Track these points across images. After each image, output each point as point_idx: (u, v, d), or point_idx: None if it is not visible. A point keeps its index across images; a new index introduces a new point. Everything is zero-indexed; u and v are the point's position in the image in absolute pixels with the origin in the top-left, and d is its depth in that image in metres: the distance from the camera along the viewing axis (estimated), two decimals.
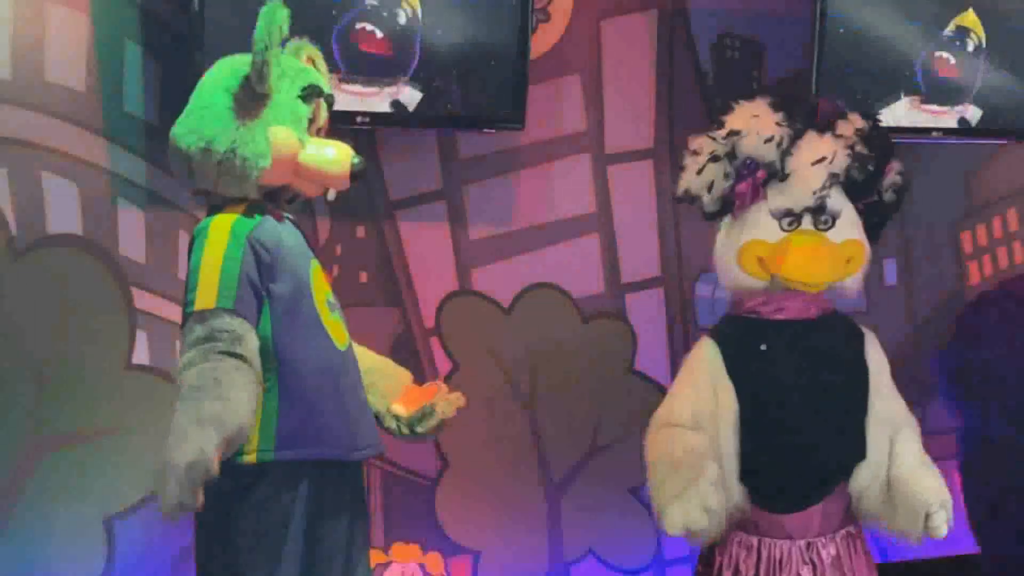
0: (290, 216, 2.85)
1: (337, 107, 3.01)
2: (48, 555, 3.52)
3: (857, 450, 3.14)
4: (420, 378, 3.84)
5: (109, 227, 3.55)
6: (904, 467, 3.11)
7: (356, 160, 2.79)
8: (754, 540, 3.15)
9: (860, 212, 3.15)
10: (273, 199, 2.78)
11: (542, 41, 4.01)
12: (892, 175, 3.17)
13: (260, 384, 2.59)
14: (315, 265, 2.83)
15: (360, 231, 3.88)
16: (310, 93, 2.77)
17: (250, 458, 2.61)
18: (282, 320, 2.67)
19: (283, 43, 2.71)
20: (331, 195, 2.87)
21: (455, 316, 4.01)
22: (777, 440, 3.09)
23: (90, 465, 3.54)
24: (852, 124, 3.11)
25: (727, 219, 3.15)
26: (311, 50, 2.91)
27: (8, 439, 3.45)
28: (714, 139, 3.08)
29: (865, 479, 3.13)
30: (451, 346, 4.00)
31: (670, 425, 3.11)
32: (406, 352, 3.92)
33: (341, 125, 3.53)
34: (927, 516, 3.04)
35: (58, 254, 3.51)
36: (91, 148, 3.51)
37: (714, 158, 3.06)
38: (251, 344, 2.57)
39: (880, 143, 3.12)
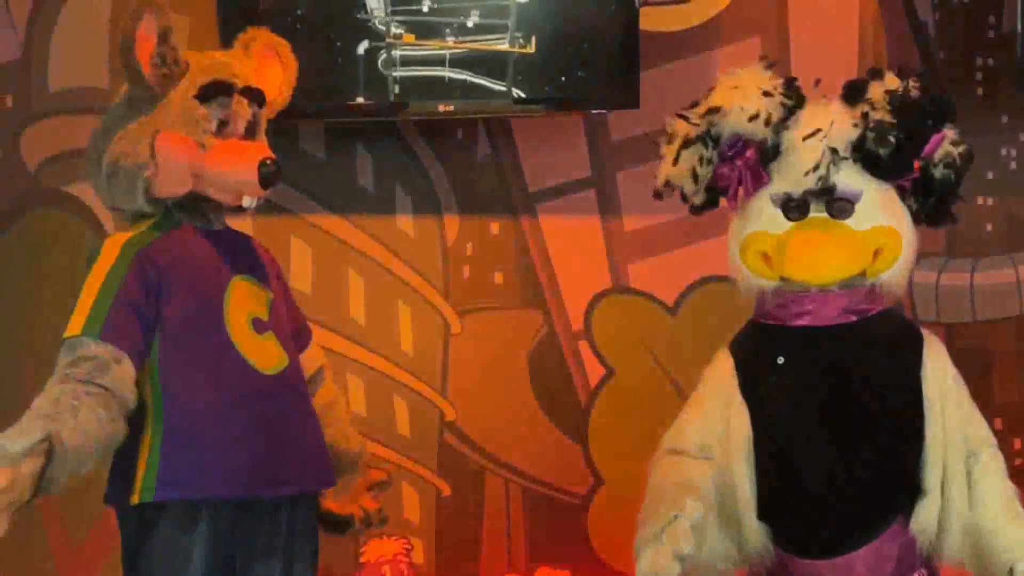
0: (212, 227, 2.58)
1: None
2: None
3: (906, 484, 2.57)
4: (567, 385, 3.59)
5: None
6: (986, 514, 2.56)
7: (267, 162, 2.47)
8: None
9: (906, 192, 2.59)
10: (189, 209, 2.54)
11: (710, 3, 3.57)
12: (944, 145, 2.56)
13: (122, 417, 2.36)
14: (237, 282, 2.54)
15: (494, 228, 3.59)
16: (209, 92, 2.49)
17: (133, 498, 2.42)
18: (173, 344, 2.43)
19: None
20: (246, 202, 2.55)
21: (608, 317, 3.64)
22: (794, 471, 2.57)
23: None
24: (884, 85, 2.52)
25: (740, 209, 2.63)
26: (268, 40, 2.66)
27: None
28: (686, 119, 2.55)
29: (928, 518, 2.56)
30: (604, 350, 3.63)
31: (673, 452, 2.66)
32: (550, 358, 3.63)
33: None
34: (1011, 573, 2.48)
35: None
36: None
37: (687, 143, 2.53)
38: (118, 373, 2.35)
39: (914, 107, 2.51)
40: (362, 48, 3.29)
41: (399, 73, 3.31)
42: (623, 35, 3.32)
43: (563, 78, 3.32)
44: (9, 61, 3.53)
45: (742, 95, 2.51)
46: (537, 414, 3.62)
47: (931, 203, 2.60)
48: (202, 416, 2.43)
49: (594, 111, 3.47)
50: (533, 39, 3.32)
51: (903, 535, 2.59)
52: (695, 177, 2.55)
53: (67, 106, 3.51)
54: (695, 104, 2.55)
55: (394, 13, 3.30)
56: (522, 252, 3.58)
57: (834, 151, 2.50)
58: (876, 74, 2.56)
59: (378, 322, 3.56)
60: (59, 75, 3.53)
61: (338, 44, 3.29)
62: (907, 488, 2.57)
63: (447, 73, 3.32)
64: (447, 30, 3.32)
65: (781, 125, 2.50)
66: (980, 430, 2.64)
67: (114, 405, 2.33)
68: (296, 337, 2.67)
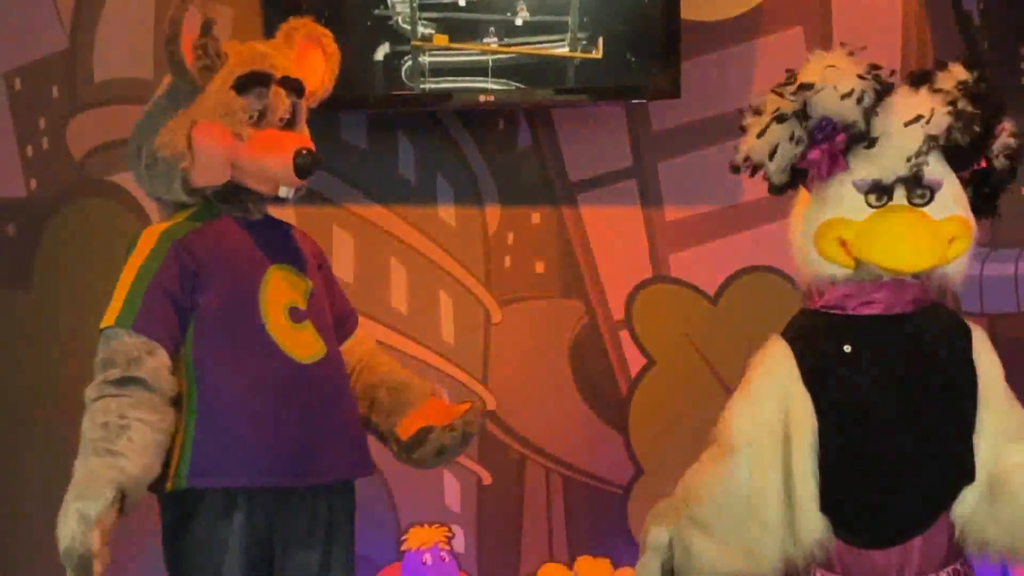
0: (251, 216, 2.59)
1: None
2: None
3: (964, 471, 2.58)
4: (608, 375, 3.59)
5: None
6: (1007, 464, 2.56)
7: (302, 152, 2.49)
8: None
9: (965, 182, 2.57)
10: (228, 200, 2.55)
11: None
12: (1004, 137, 2.57)
13: (168, 406, 2.40)
14: (274, 271, 2.55)
15: (535, 217, 3.59)
16: (246, 83, 2.50)
17: (168, 485, 2.44)
18: (207, 333, 2.46)
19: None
20: (283, 192, 2.56)
21: (649, 306, 3.65)
22: (865, 461, 2.56)
23: None
24: (953, 76, 2.51)
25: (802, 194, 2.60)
26: (310, 30, 2.66)
27: None
28: (780, 95, 2.52)
29: (971, 504, 2.58)
30: (645, 340, 3.63)
31: (717, 452, 2.64)
32: (591, 348, 3.63)
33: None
34: None
35: None
36: None
37: (779, 117, 2.50)
38: (153, 364, 2.39)
39: (988, 99, 2.51)
40: (381, 53, 3.06)
41: (428, 85, 3.08)
42: (665, 24, 3.29)
43: (605, 67, 3.31)
44: (55, 52, 3.57)
45: (836, 74, 2.48)
46: (578, 404, 3.63)
47: (986, 193, 2.59)
48: (236, 404, 2.45)
49: (635, 101, 3.45)
50: (599, 41, 3.21)
51: (949, 523, 2.59)
52: (774, 153, 2.50)
53: (112, 96, 3.54)
54: (789, 81, 2.51)
55: (422, 9, 3.00)
56: (563, 242, 3.59)
57: (933, 138, 2.48)
58: (941, 65, 2.55)
59: (419, 311, 3.57)
60: (104, 66, 3.56)
61: (354, 46, 3.04)
62: (962, 475, 2.58)
63: (489, 84, 3.10)
64: (490, 30, 3.12)
65: (871, 110, 2.49)
66: (1021, 421, 2.64)
67: (157, 400, 2.37)
68: (341, 325, 2.69)
